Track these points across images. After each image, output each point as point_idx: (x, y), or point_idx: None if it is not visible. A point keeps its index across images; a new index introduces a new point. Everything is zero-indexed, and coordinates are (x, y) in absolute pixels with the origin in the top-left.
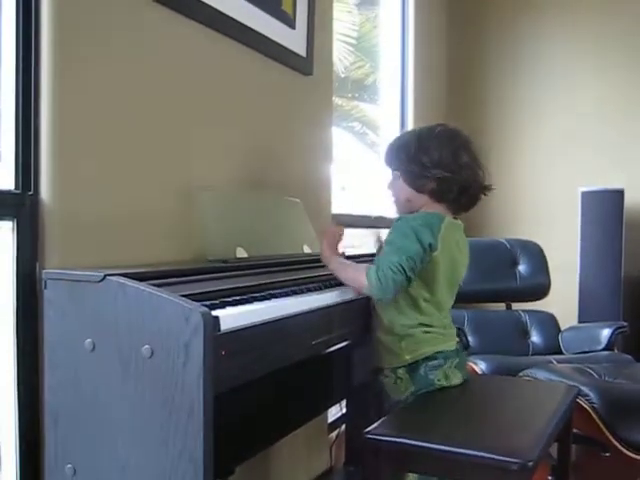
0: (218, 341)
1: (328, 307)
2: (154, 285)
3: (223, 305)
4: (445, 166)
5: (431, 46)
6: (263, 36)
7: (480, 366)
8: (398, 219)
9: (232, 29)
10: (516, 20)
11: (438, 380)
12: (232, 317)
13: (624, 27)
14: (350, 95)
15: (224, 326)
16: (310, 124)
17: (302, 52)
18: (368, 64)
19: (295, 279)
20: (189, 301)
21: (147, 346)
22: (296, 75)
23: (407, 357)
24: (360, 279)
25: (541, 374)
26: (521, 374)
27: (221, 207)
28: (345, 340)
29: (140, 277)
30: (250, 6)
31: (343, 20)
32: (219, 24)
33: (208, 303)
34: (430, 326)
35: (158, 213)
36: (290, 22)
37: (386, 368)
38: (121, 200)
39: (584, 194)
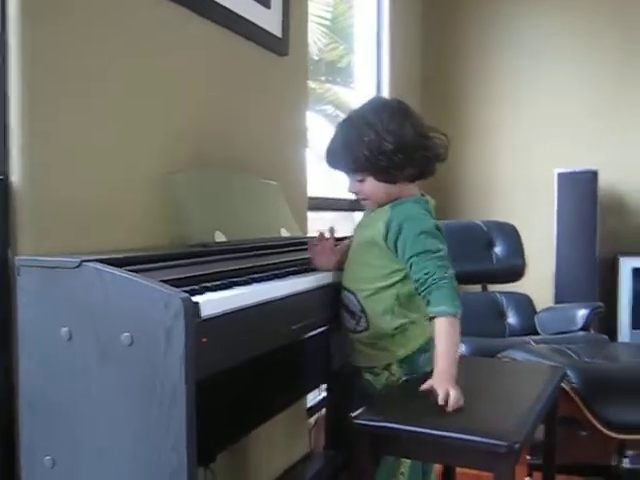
0: (199, 328)
1: (307, 292)
2: (132, 271)
3: (203, 291)
4: (417, 144)
5: (407, 26)
6: (237, 15)
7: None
8: (406, 219)
9: (204, 7)
10: (494, 2)
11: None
12: (213, 303)
13: (606, 11)
14: (323, 78)
15: (205, 312)
16: (285, 106)
17: (277, 32)
18: (342, 46)
19: (274, 263)
20: (168, 287)
21: (127, 334)
22: (271, 56)
23: (401, 352)
24: (454, 327)
25: (519, 355)
26: (499, 355)
27: (198, 190)
28: (324, 325)
29: (118, 263)
30: None
31: (317, 1)
32: (190, 1)
33: (188, 289)
34: (420, 317)
35: (134, 197)
36: (265, 1)
37: (375, 366)
38: (96, 184)
39: (560, 175)
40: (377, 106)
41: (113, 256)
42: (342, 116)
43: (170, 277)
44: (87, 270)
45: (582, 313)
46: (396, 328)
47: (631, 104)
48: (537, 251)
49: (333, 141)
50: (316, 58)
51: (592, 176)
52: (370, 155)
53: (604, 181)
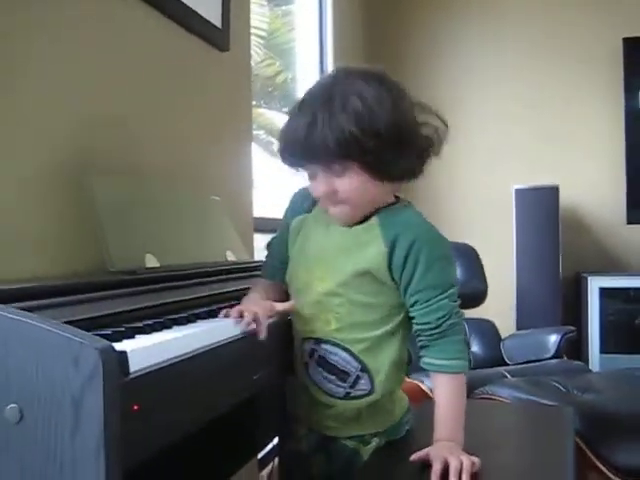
0: (127, 390)
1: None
2: (24, 309)
3: (132, 334)
4: (416, 129)
5: (349, 43)
6: None
7: (426, 384)
8: (419, 237)
9: None
10: (440, 13)
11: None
12: (146, 351)
13: (549, 26)
14: (255, 102)
15: (135, 366)
16: (227, 110)
17: (217, 22)
18: (278, 62)
19: (222, 293)
20: (79, 331)
21: (13, 405)
22: (210, 50)
23: (397, 411)
24: (464, 385)
25: (504, 392)
26: (478, 391)
27: (122, 203)
28: (285, 370)
29: (3, 297)
30: None
31: (253, 12)
32: None
33: (109, 332)
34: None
35: (30, 209)
36: None
37: (365, 434)
38: None
39: (518, 192)
40: (366, 75)
41: None
42: (275, 142)
43: (82, 316)
44: None
45: (553, 339)
46: (399, 375)
47: (587, 118)
48: (496, 273)
49: (298, 117)
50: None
51: (553, 192)
52: (359, 134)
53: (565, 196)
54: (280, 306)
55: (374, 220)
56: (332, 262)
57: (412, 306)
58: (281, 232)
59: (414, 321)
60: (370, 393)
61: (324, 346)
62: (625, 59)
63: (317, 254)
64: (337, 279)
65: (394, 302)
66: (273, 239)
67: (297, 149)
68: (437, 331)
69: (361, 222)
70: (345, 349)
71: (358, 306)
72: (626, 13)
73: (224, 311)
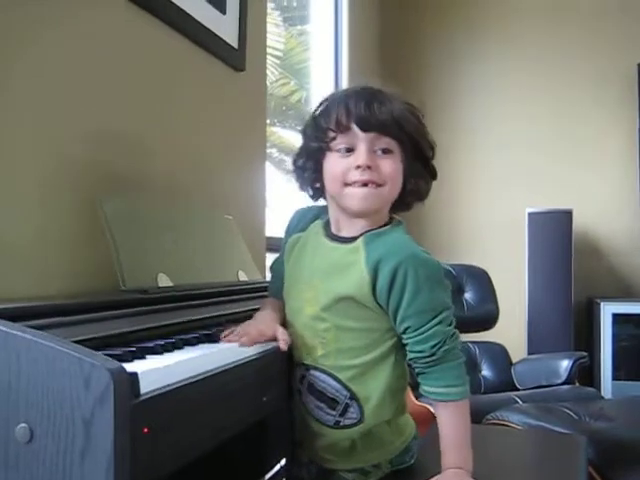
0: (137, 412)
1: (278, 349)
2: (34, 327)
3: (142, 354)
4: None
5: (365, 65)
6: (187, 14)
7: None
8: (404, 261)
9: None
10: (456, 35)
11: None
12: (157, 373)
13: (572, 41)
14: (268, 121)
15: (146, 387)
16: (241, 129)
17: (233, 42)
18: (292, 81)
19: (234, 313)
20: (90, 351)
21: (23, 424)
22: (226, 69)
23: (397, 443)
24: (468, 411)
25: (515, 417)
26: (489, 417)
27: (136, 220)
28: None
29: (12, 315)
30: None
31: (269, 32)
32: None
33: (120, 352)
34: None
35: (46, 227)
36: (220, 4)
37: (364, 466)
38: None
39: (531, 215)
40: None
41: (6, 306)
42: (288, 160)
43: (93, 335)
44: None
45: (565, 364)
46: (394, 412)
47: (601, 142)
48: (508, 296)
49: (347, 93)
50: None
51: (566, 216)
52: (416, 130)
53: (578, 220)
54: (280, 334)
55: (360, 241)
56: (319, 285)
57: (404, 333)
58: (281, 252)
59: (407, 348)
60: (360, 422)
61: (313, 372)
62: None
63: (307, 276)
64: (322, 303)
65: (383, 326)
66: (275, 260)
67: (352, 115)
68: (432, 359)
69: (349, 241)
70: (333, 376)
71: (344, 331)
72: None
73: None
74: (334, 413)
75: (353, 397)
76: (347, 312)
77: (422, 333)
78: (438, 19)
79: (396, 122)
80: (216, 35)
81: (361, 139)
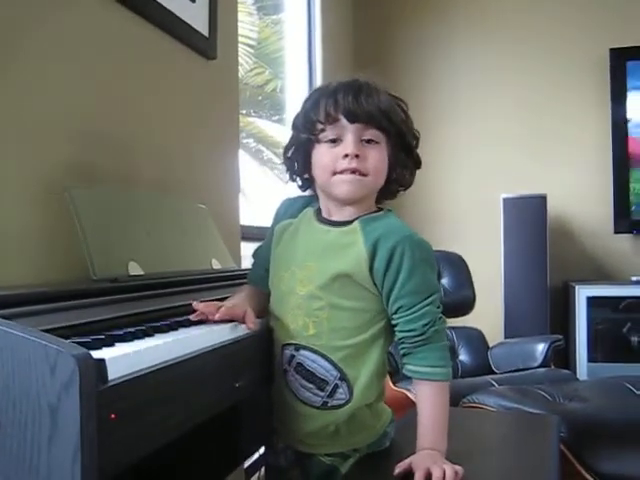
0: (105, 398)
1: (251, 336)
2: (2, 317)
3: (111, 341)
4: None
5: (338, 55)
6: (157, 3)
7: (413, 392)
8: (401, 241)
9: None
10: (427, 23)
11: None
12: (125, 359)
13: (543, 28)
14: (244, 111)
15: (113, 374)
16: (213, 118)
17: (204, 30)
18: (267, 71)
19: (207, 301)
20: (56, 338)
21: None
22: (197, 58)
23: (378, 426)
24: (447, 393)
25: (490, 400)
26: (465, 400)
27: (105, 209)
28: (269, 378)
29: None
30: None
31: (242, 21)
32: None
33: (88, 339)
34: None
35: (14, 219)
36: None
37: (345, 451)
38: None
39: (506, 201)
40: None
41: None
42: (265, 150)
43: (62, 324)
44: None
45: (541, 348)
46: (379, 387)
47: (574, 128)
48: (484, 282)
49: (336, 86)
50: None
51: (541, 201)
52: (402, 121)
53: (553, 205)
54: (249, 319)
55: (356, 224)
56: (313, 265)
57: (395, 313)
58: (267, 240)
59: (397, 328)
60: (348, 402)
61: (303, 352)
62: (612, 69)
63: (299, 259)
64: (318, 282)
65: (375, 308)
66: (259, 247)
67: (340, 107)
68: (421, 338)
69: (344, 224)
70: (324, 356)
71: (338, 310)
72: (612, 24)
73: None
74: (322, 394)
75: (343, 378)
76: (343, 291)
77: (414, 312)
78: (410, 7)
79: (382, 114)
80: (186, 23)
81: (349, 130)
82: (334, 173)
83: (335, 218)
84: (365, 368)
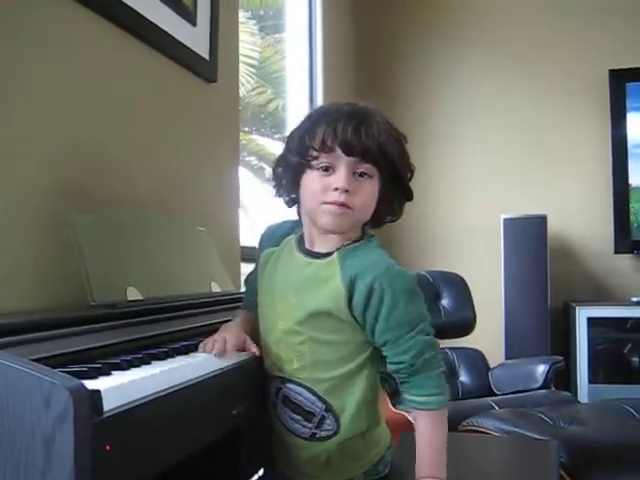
0: (99, 430)
1: (248, 362)
2: None
3: (108, 370)
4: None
5: (340, 72)
6: (157, 27)
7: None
8: (379, 276)
9: (116, 12)
10: (430, 43)
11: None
12: (121, 389)
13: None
14: (247, 129)
15: (109, 405)
16: (214, 141)
17: (205, 54)
18: (269, 90)
19: (205, 325)
20: (50, 370)
21: None
22: (197, 81)
23: (373, 454)
24: (445, 421)
25: (489, 423)
26: (465, 423)
27: (104, 235)
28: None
29: None
30: None
31: (244, 41)
32: (100, 4)
33: (85, 368)
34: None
35: (11, 243)
36: (190, 17)
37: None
38: None
39: (506, 221)
40: (375, 109)
41: None
42: (266, 168)
43: (58, 352)
44: None
45: (541, 369)
46: (369, 423)
47: (574, 148)
48: (485, 302)
49: (336, 114)
50: (243, 102)
51: (541, 221)
52: (398, 156)
53: (553, 225)
54: (250, 347)
55: (335, 256)
56: (293, 299)
57: (383, 345)
58: (255, 267)
59: (387, 360)
60: (336, 433)
61: (289, 385)
62: (611, 90)
63: (280, 291)
64: (296, 317)
65: (358, 339)
66: (250, 273)
67: (338, 138)
68: (412, 369)
69: (324, 256)
70: (308, 389)
71: (320, 344)
72: (612, 45)
73: (201, 345)
74: (310, 425)
75: (329, 409)
76: (323, 325)
77: (400, 345)
78: (413, 25)
79: (379, 149)
80: (187, 47)
81: (343, 161)
82: (322, 202)
83: (316, 249)
84: (351, 398)
